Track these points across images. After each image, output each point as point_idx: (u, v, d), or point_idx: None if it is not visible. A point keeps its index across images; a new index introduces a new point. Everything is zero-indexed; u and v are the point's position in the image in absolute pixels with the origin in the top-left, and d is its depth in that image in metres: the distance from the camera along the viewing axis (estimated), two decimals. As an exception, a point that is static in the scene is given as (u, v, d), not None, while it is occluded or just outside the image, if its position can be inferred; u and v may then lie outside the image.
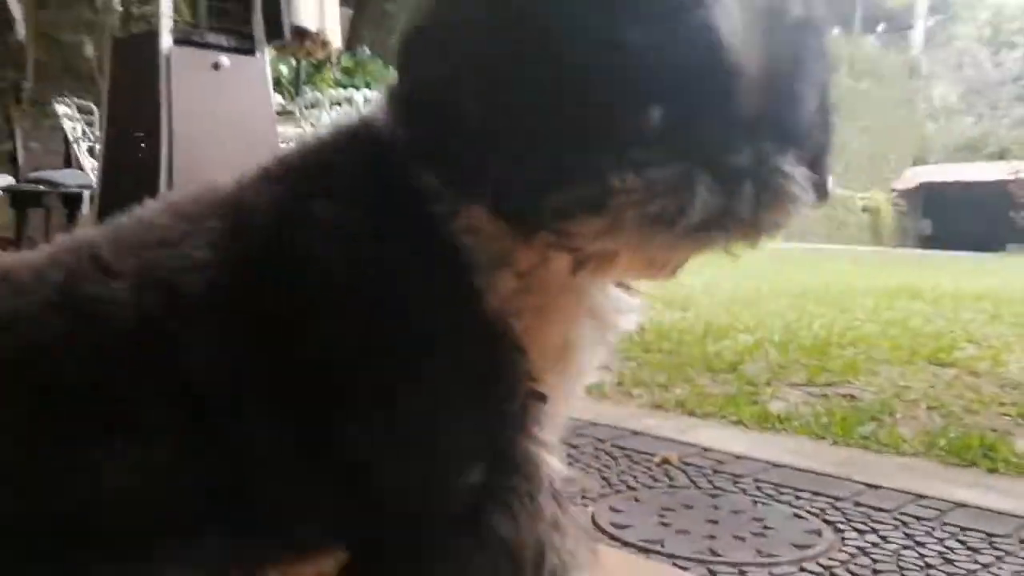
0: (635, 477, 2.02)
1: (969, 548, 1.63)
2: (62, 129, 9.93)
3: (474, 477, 0.75)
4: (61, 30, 11.05)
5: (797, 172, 0.72)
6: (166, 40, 4.84)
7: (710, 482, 1.99)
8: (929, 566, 1.54)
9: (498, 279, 0.76)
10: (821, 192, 0.79)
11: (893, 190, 22.94)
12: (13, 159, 9.83)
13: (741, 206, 0.69)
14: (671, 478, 2.02)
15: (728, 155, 0.68)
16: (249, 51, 4.93)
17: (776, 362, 3.43)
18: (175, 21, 5.03)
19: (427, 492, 0.76)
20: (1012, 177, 18.71)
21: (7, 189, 8.81)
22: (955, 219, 21.64)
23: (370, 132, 0.79)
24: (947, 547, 1.63)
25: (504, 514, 0.76)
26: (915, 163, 24.47)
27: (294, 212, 0.77)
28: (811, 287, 6.69)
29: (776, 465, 2.12)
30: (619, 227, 0.68)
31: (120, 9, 5.63)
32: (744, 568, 1.53)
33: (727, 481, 2.00)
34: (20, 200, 8.74)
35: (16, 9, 9.56)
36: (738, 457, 2.18)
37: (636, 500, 1.87)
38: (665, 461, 2.13)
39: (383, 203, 0.76)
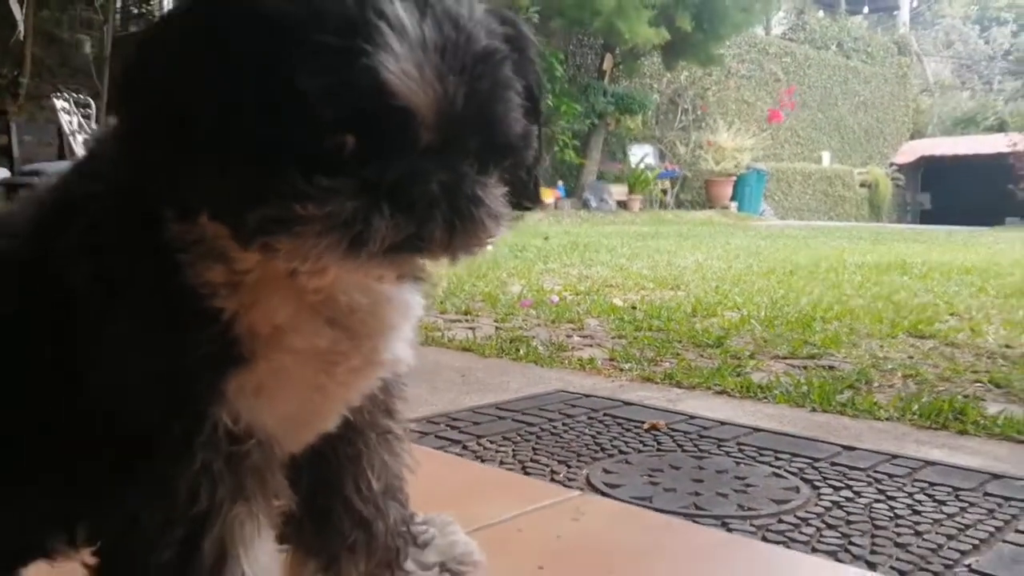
0: (626, 442, 2.14)
1: (936, 500, 1.75)
2: (56, 123, 10.02)
3: (148, 410, 0.87)
4: (59, 28, 11.11)
5: (492, 196, 0.81)
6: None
7: (695, 446, 2.11)
8: (898, 517, 1.67)
9: (208, 270, 0.85)
10: (533, 198, 0.91)
11: (892, 164, 22.93)
12: (8, 153, 9.88)
13: (433, 230, 0.77)
14: (659, 443, 2.14)
15: (414, 186, 0.76)
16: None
17: (761, 337, 3.56)
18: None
19: (113, 418, 0.88)
20: (1010, 149, 18.70)
21: (3, 182, 8.89)
22: (954, 193, 21.63)
23: (104, 155, 0.91)
24: (916, 500, 1.76)
25: (164, 450, 0.87)
26: (912, 137, 24.49)
27: (61, 204, 0.93)
28: (802, 264, 6.82)
29: (757, 430, 2.25)
30: (306, 249, 0.75)
31: (115, 7, 5.71)
32: (727, 520, 1.66)
33: (711, 444, 2.12)
34: (17, 192, 8.87)
35: (16, 9, 9.61)
36: (722, 423, 2.31)
37: (627, 462, 1.99)
38: (653, 427, 2.26)
39: (123, 197, 0.87)
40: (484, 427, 2.26)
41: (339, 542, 1.08)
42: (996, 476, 1.90)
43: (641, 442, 2.16)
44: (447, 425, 2.26)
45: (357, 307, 0.90)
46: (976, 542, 1.54)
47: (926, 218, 21.76)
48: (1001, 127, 21.97)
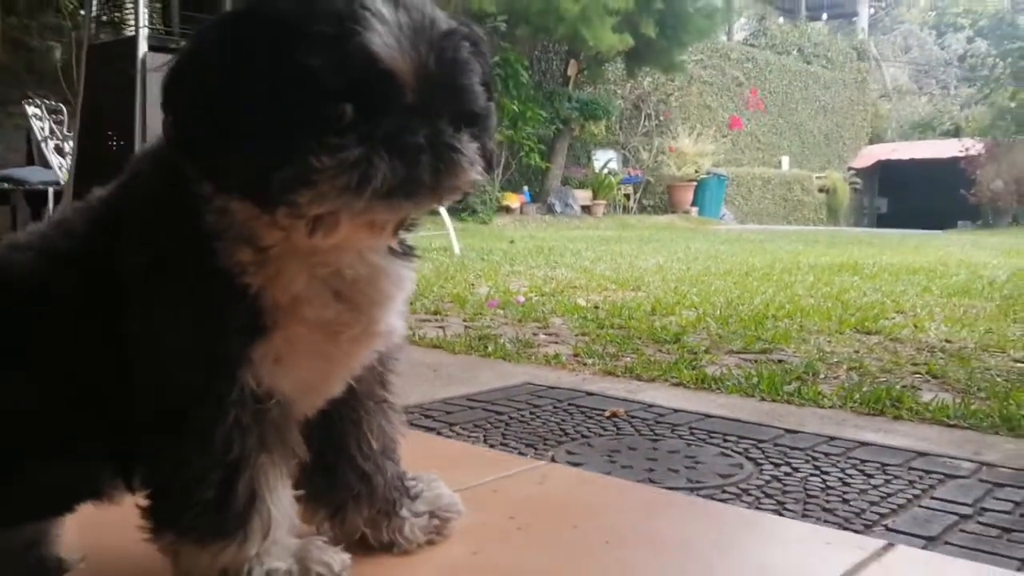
0: (588, 428, 2.32)
1: (865, 474, 1.95)
2: (25, 128, 10.03)
3: (190, 376, 1.05)
4: (27, 34, 11.09)
5: (468, 147, 1.01)
6: (143, 47, 5.05)
7: (651, 430, 2.30)
8: (829, 488, 1.86)
9: (238, 250, 1.04)
10: (490, 164, 1.10)
11: (850, 169, 23.36)
12: None
13: (421, 174, 0.97)
14: (618, 428, 2.32)
15: (404, 136, 0.95)
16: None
17: (716, 333, 3.75)
18: (150, 28, 5.21)
19: (161, 384, 1.07)
20: (962, 154, 19.18)
21: (-29, 188, 8.90)
22: (910, 197, 22.12)
23: (161, 149, 1.10)
24: (847, 474, 1.95)
25: (204, 408, 1.06)
26: (871, 142, 24.95)
27: (112, 207, 1.14)
28: (758, 266, 7.05)
29: (709, 416, 2.44)
30: (324, 195, 0.94)
31: (91, 15, 5.78)
32: (676, 491, 1.84)
33: (666, 429, 2.31)
34: (-10, 197, 8.87)
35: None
36: (676, 411, 2.49)
37: (589, 445, 2.17)
38: (613, 415, 2.44)
39: (166, 196, 1.08)
40: (456, 416, 2.43)
41: (345, 493, 1.27)
42: (921, 454, 2.10)
43: (602, 428, 2.33)
44: (421, 415, 2.43)
45: (359, 279, 1.09)
46: (895, 507, 1.74)
47: (883, 222, 22.20)
48: (957, 132, 22.50)
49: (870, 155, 23.80)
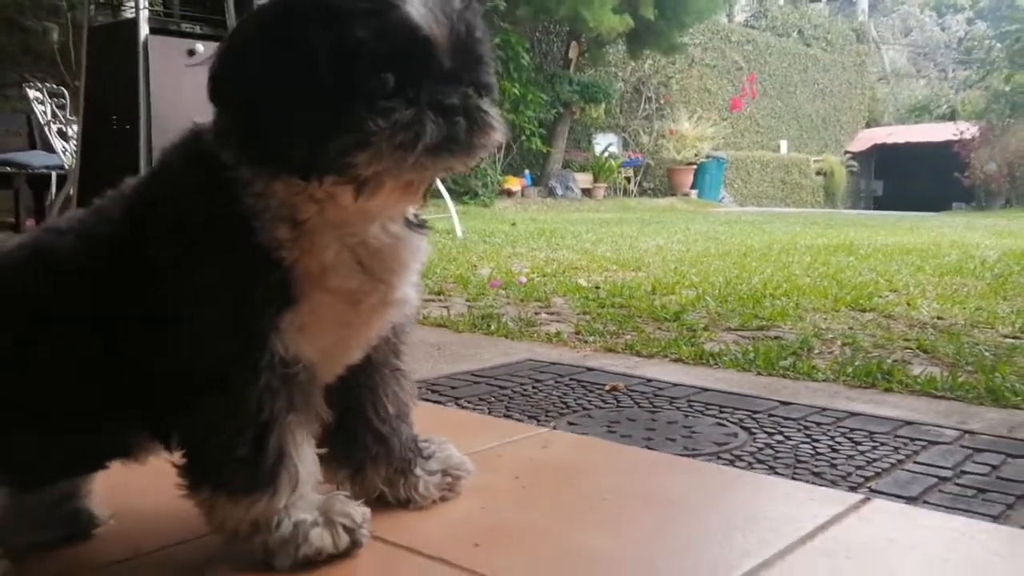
0: (589, 401, 2.41)
1: (853, 442, 2.04)
2: (24, 111, 10.06)
3: (221, 349, 1.15)
4: (22, 15, 11.08)
5: (492, 110, 1.13)
6: (144, 29, 5.10)
7: (650, 403, 2.39)
8: (819, 453, 1.95)
9: (276, 228, 1.15)
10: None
11: (846, 152, 23.42)
12: None
13: (458, 133, 1.09)
14: (618, 401, 2.41)
15: (444, 99, 1.08)
16: (222, 38, 5.22)
17: (715, 311, 3.84)
18: (150, 11, 5.26)
19: (196, 352, 1.16)
20: (957, 137, 19.25)
21: (-28, 172, 8.93)
22: (906, 180, 22.19)
23: (201, 133, 1.21)
24: (836, 442, 2.04)
25: (237, 373, 1.15)
26: (868, 125, 24.98)
27: (146, 194, 1.24)
28: (756, 247, 7.14)
29: (706, 389, 2.53)
30: (380, 154, 1.05)
31: None
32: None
33: (664, 402, 2.40)
34: (-11, 183, 8.90)
35: (-21, -4, 9.63)
36: (675, 385, 2.59)
37: (589, 416, 2.26)
38: (614, 389, 2.53)
39: (202, 182, 1.18)
40: (461, 391, 2.52)
41: (364, 454, 1.38)
42: (908, 423, 2.19)
43: (602, 400, 2.43)
44: (427, 389, 2.51)
45: (382, 248, 1.20)
46: (880, 471, 1.83)
47: (879, 204, 22.29)
48: (953, 115, 22.51)
49: (867, 138, 23.85)
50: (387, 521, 1.35)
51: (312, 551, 1.18)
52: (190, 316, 1.15)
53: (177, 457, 1.21)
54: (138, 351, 1.18)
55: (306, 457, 1.20)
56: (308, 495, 1.21)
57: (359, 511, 1.23)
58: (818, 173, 21.66)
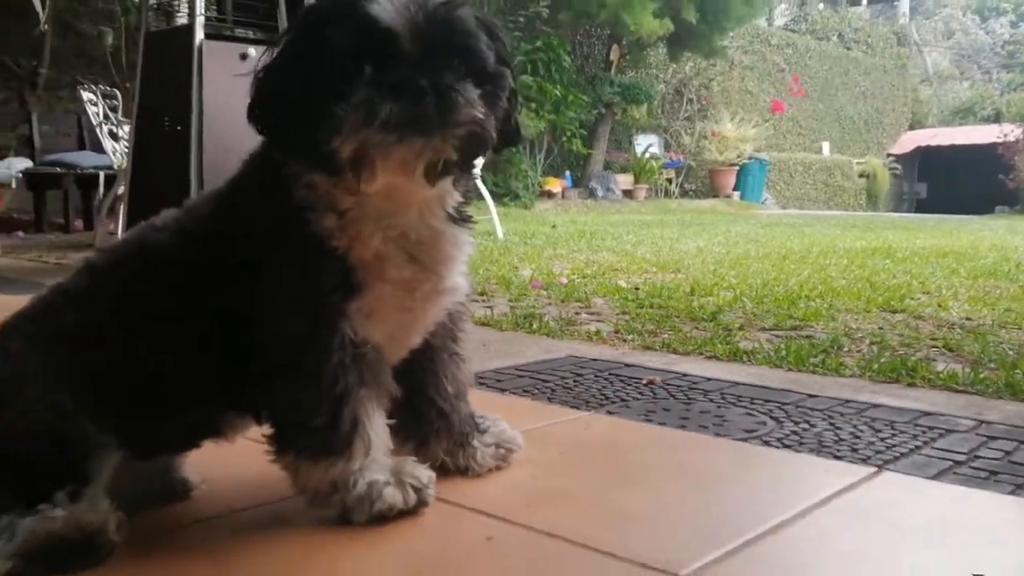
0: (627, 393, 2.57)
1: (874, 429, 2.18)
2: (75, 112, 10.37)
3: (299, 332, 1.33)
4: (77, 19, 11.40)
5: (468, 90, 1.24)
6: (199, 34, 5.30)
7: (685, 395, 2.54)
8: (840, 440, 2.10)
9: (324, 217, 1.32)
10: (515, 137, 1.42)
11: (889, 155, 23.27)
12: (30, 143, 10.17)
13: (427, 110, 1.20)
14: (654, 393, 2.57)
15: (410, 82, 1.20)
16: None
17: (751, 312, 3.98)
18: (204, 16, 5.46)
19: (277, 335, 1.34)
20: (1001, 140, 19.07)
21: (26, 171, 9.19)
22: (949, 182, 21.98)
23: (262, 147, 1.42)
24: (858, 429, 2.18)
25: (313, 353, 1.33)
26: (911, 127, 24.79)
27: (230, 194, 1.43)
28: (795, 249, 7.24)
29: (738, 384, 2.67)
30: (346, 135, 1.20)
31: (147, 4, 6.02)
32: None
33: (698, 394, 2.55)
34: (39, 182, 9.14)
35: (36, 0, 9.93)
36: (708, 379, 2.73)
37: (627, 407, 2.42)
38: (650, 383, 2.68)
39: (267, 181, 1.37)
40: (506, 383, 2.69)
41: (428, 428, 1.57)
42: (928, 414, 2.32)
43: (640, 393, 2.58)
44: (475, 381, 2.68)
45: (423, 240, 1.38)
46: (897, 455, 1.97)
47: (922, 207, 22.06)
48: (998, 117, 22.28)
49: (910, 141, 23.67)
50: (448, 486, 1.54)
51: (385, 507, 1.37)
52: (270, 301, 1.34)
53: (263, 432, 1.40)
54: (225, 335, 1.36)
55: (378, 426, 1.39)
56: (380, 459, 1.39)
57: (426, 474, 1.42)
58: (861, 175, 21.55)
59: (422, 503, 1.40)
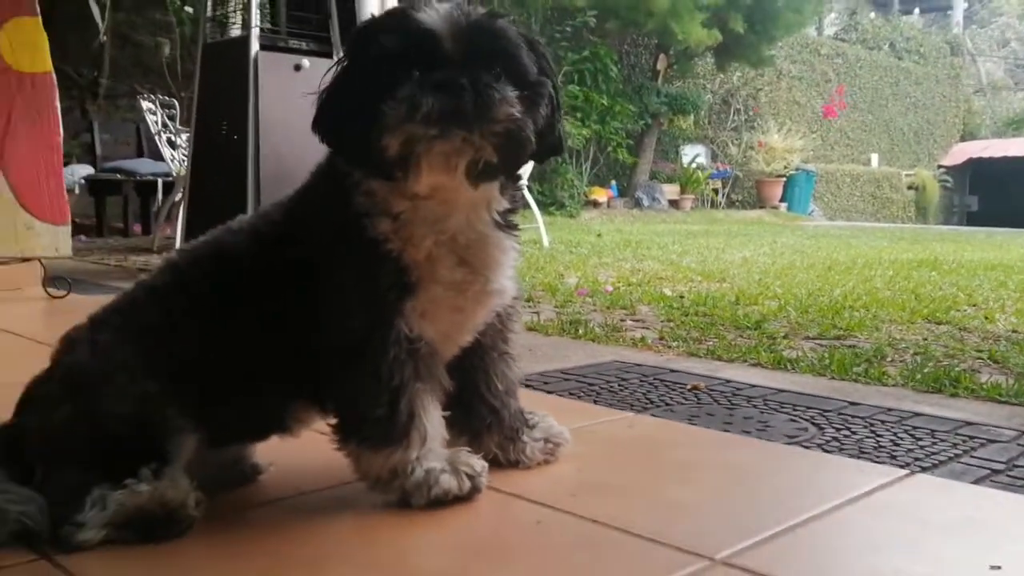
0: (671, 397, 2.63)
1: (914, 437, 2.22)
2: (133, 121, 10.64)
3: (359, 329, 1.43)
4: (134, 30, 11.70)
5: (505, 90, 1.33)
6: (254, 46, 5.45)
7: (728, 401, 2.60)
8: (880, 447, 2.14)
9: (381, 222, 1.43)
10: (558, 148, 1.51)
11: (940, 166, 22.97)
12: (91, 150, 10.45)
13: (465, 106, 1.28)
14: (698, 398, 2.62)
15: (450, 80, 1.29)
16: (327, 54, 5.49)
17: (795, 321, 4.01)
18: (260, 28, 5.60)
19: (339, 331, 1.44)
20: (1057, 152, 18.74)
21: (88, 178, 9.50)
22: (1002, 195, 21.63)
23: (328, 156, 1.53)
24: (899, 437, 2.22)
25: (372, 348, 1.42)
26: (963, 139, 24.44)
27: (298, 201, 1.55)
28: (841, 261, 7.24)
29: (781, 391, 2.72)
30: (392, 130, 1.29)
31: (194, 12, 6.20)
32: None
33: (742, 400, 2.60)
34: (100, 188, 9.45)
35: (96, 12, 10.21)
36: (752, 386, 2.78)
37: (671, 411, 2.48)
38: (695, 388, 2.74)
39: (331, 189, 1.47)
40: (552, 386, 2.76)
41: (480, 423, 1.67)
42: (969, 423, 2.35)
43: (684, 398, 2.64)
44: (522, 385, 2.76)
45: (471, 244, 1.47)
46: (936, 463, 2.01)
47: (973, 220, 21.71)
48: (1053, 129, 21.93)
49: (961, 152, 23.34)
50: (499, 477, 1.64)
51: (441, 492, 1.46)
52: (331, 302, 1.45)
53: (327, 422, 1.51)
54: (295, 331, 1.46)
55: (433, 418, 1.49)
56: (437, 449, 1.49)
57: (479, 463, 1.51)
58: (910, 187, 21.32)
59: (476, 490, 1.50)
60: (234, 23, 6.59)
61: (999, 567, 1.33)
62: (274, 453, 1.68)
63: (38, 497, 1.33)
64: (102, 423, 1.36)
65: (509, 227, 1.53)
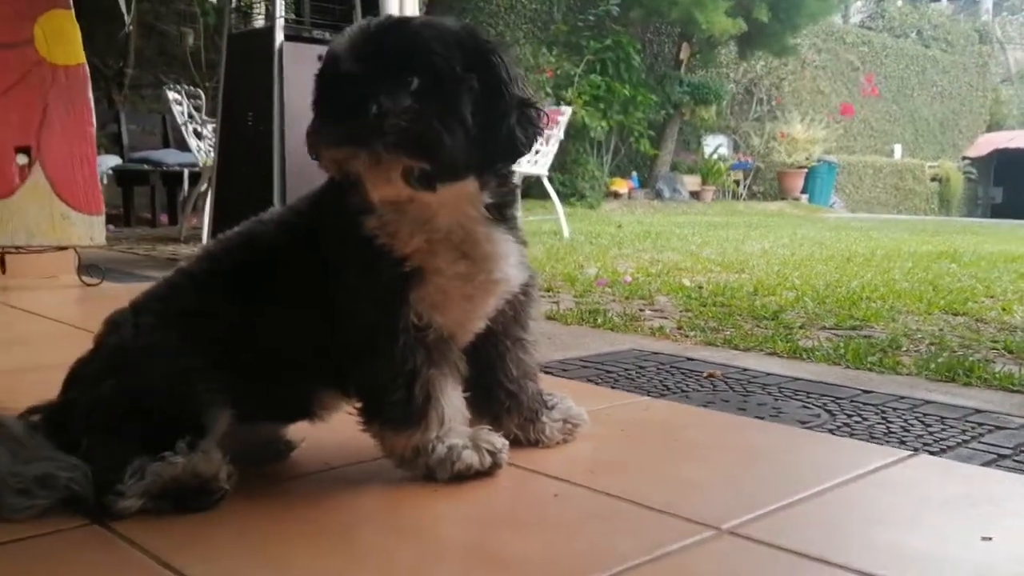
0: (687, 384, 2.69)
1: (924, 424, 2.27)
2: (158, 111, 10.75)
3: (369, 319, 1.51)
4: (159, 20, 11.80)
5: (389, 99, 1.35)
6: (279, 36, 5.53)
7: (743, 388, 2.65)
8: (891, 432, 2.19)
9: (370, 219, 1.49)
10: (504, 144, 1.52)
11: (964, 158, 22.80)
12: (119, 141, 10.57)
13: (368, 120, 1.33)
14: (714, 386, 2.68)
15: (339, 103, 1.37)
16: (353, 44, 5.54)
17: (812, 311, 4.06)
18: (284, 19, 5.67)
19: (351, 322, 1.53)
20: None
21: (115, 168, 9.62)
22: (1027, 187, 21.49)
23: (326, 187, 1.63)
24: (909, 424, 2.28)
25: (382, 337, 1.50)
26: (989, 129, 24.23)
27: (320, 195, 1.62)
28: (860, 252, 7.26)
29: (796, 379, 2.77)
30: (322, 156, 1.40)
31: (218, 2, 6.27)
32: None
33: (757, 388, 2.66)
34: (127, 178, 9.58)
35: (122, 2, 10.30)
36: (768, 374, 2.84)
37: (687, 397, 2.54)
38: (711, 376, 2.80)
39: (339, 188, 1.52)
40: (571, 373, 2.83)
41: (498, 407, 1.75)
42: (980, 411, 2.40)
43: (700, 385, 2.70)
44: (540, 371, 2.83)
45: (466, 239, 1.55)
46: (944, 448, 2.06)
47: (997, 212, 21.53)
48: (1082, 120, 21.70)
49: (987, 143, 23.14)
50: (520, 455, 1.72)
51: (463, 467, 1.54)
52: (344, 293, 1.53)
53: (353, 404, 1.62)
54: (320, 319, 1.55)
55: (452, 400, 1.57)
56: (458, 427, 1.57)
57: (499, 440, 1.60)
58: (933, 179, 21.18)
59: (496, 465, 1.58)
60: (258, 13, 6.66)
61: (990, 538, 1.41)
62: (305, 430, 1.77)
63: (83, 465, 1.42)
64: (142, 398, 1.45)
65: (503, 220, 1.60)
